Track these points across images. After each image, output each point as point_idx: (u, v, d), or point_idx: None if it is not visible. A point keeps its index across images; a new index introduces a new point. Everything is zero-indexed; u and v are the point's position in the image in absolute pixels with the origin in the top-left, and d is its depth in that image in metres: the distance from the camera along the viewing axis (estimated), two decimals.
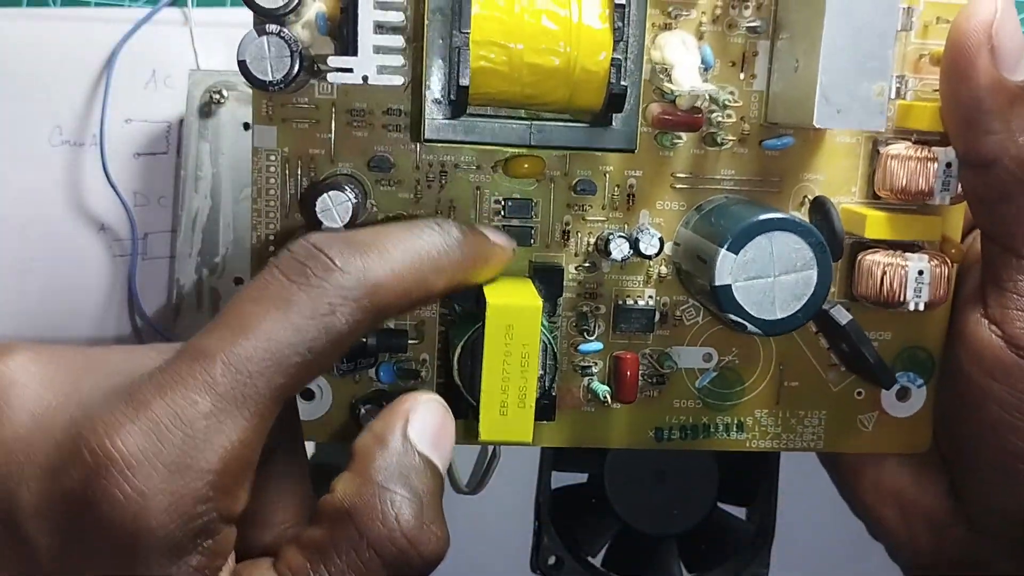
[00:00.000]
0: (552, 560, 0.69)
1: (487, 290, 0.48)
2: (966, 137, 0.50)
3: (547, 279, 0.53)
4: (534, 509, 0.69)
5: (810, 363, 0.57)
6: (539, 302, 0.48)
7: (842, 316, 0.54)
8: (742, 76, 0.53)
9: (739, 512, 0.71)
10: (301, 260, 0.42)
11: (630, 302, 0.55)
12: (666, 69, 0.50)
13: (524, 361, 0.47)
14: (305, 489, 0.47)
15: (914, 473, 0.59)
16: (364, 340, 0.53)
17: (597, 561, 0.70)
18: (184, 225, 0.69)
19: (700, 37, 0.52)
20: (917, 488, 0.59)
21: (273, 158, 0.52)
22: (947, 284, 0.53)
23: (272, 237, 0.52)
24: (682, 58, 0.50)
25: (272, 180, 0.52)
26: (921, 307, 0.52)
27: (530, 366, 0.47)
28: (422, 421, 0.45)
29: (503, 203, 0.53)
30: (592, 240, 0.54)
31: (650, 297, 0.55)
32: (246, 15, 0.47)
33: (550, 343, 0.50)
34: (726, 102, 0.52)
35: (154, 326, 0.70)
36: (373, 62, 0.45)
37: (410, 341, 0.54)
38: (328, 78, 0.46)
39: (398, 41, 0.46)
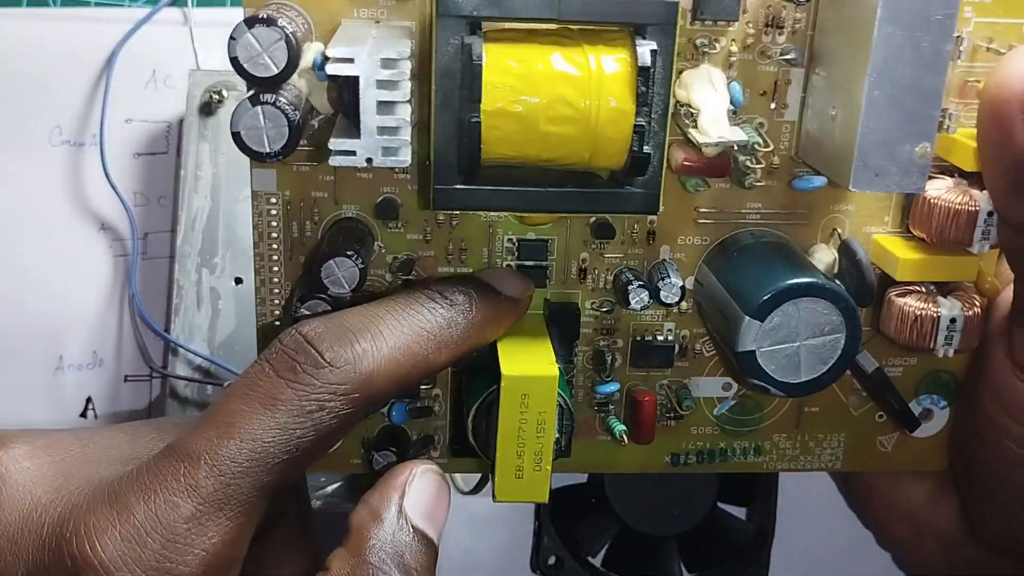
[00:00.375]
0: (552, 560, 0.67)
1: (502, 352, 0.44)
2: (1005, 201, 0.44)
3: (563, 324, 0.48)
4: (534, 509, 0.67)
5: (831, 388, 0.52)
6: (555, 370, 0.43)
7: (868, 364, 0.50)
8: (773, 106, 0.46)
9: (739, 512, 0.69)
10: (290, 355, 0.40)
11: (649, 337, 0.50)
12: (691, 112, 0.44)
13: (540, 427, 0.43)
14: (310, 552, 0.46)
15: (928, 491, 0.56)
16: None
17: (597, 561, 0.68)
18: (184, 225, 0.67)
19: (729, 67, 0.45)
20: (931, 506, 0.56)
21: (274, 201, 0.46)
22: (979, 328, 0.47)
23: (278, 312, 0.48)
24: (709, 100, 0.43)
25: (274, 224, 0.46)
26: (951, 354, 0.47)
27: (546, 432, 0.43)
28: (417, 494, 0.42)
29: (517, 243, 0.48)
30: (610, 277, 0.49)
31: (669, 331, 0.50)
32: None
33: (567, 405, 0.45)
34: (756, 145, 0.45)
35: (154, 326, 0.69)
36: (378, 144, 0.39)
37: (422, 386, 0.49)
38: (330, 162, 0.40)
39: (403, 117, 0.40)
